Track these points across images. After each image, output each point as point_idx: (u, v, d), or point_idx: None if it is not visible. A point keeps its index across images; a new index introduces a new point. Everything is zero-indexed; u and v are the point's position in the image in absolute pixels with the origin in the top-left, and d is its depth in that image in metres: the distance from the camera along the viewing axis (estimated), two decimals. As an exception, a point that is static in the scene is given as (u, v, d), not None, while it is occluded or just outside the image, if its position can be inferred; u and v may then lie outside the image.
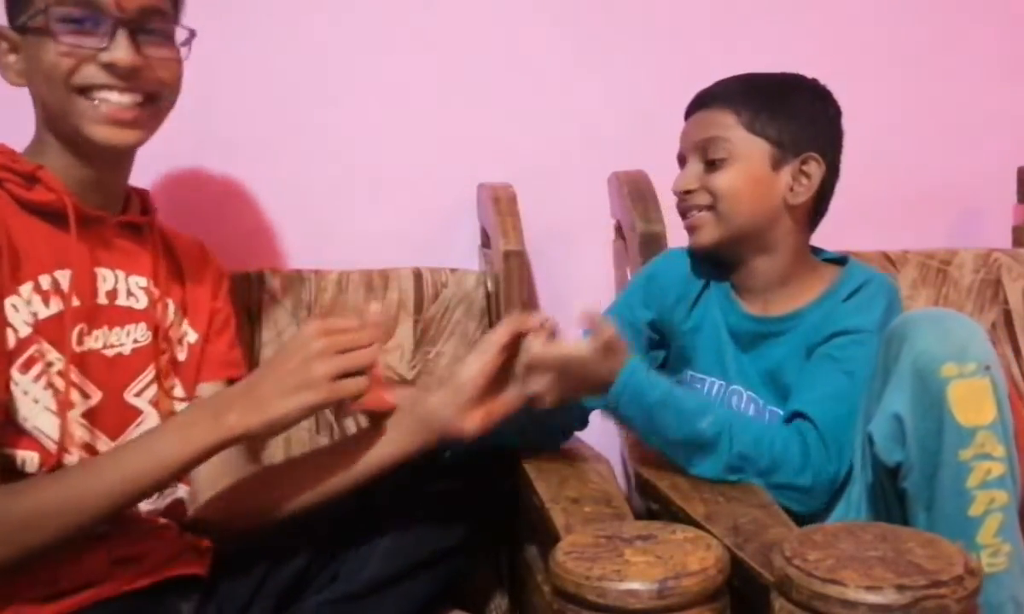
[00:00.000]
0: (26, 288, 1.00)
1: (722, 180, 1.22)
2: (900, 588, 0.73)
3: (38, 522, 0.92)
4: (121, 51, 0.99)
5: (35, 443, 0.99)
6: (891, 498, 1.06)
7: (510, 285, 1.39)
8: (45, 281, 1.02)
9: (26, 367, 0.99)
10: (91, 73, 1.00)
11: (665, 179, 1.36)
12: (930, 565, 0.76)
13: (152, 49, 1.03)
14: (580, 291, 1.61)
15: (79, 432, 1.02)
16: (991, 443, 0.97)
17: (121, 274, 1.09)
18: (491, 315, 1.47)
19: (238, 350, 1.24)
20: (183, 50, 1.08)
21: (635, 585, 0.79)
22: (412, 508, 1.14)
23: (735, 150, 1.22)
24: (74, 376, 1.02)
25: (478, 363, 1.08)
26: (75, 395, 1.02)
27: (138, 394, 1.09)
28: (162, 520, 1.09)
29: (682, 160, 1.29)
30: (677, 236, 1.37)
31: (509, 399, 1.09)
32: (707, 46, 1.62)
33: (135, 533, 1.05)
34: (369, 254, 1.51)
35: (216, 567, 1.13)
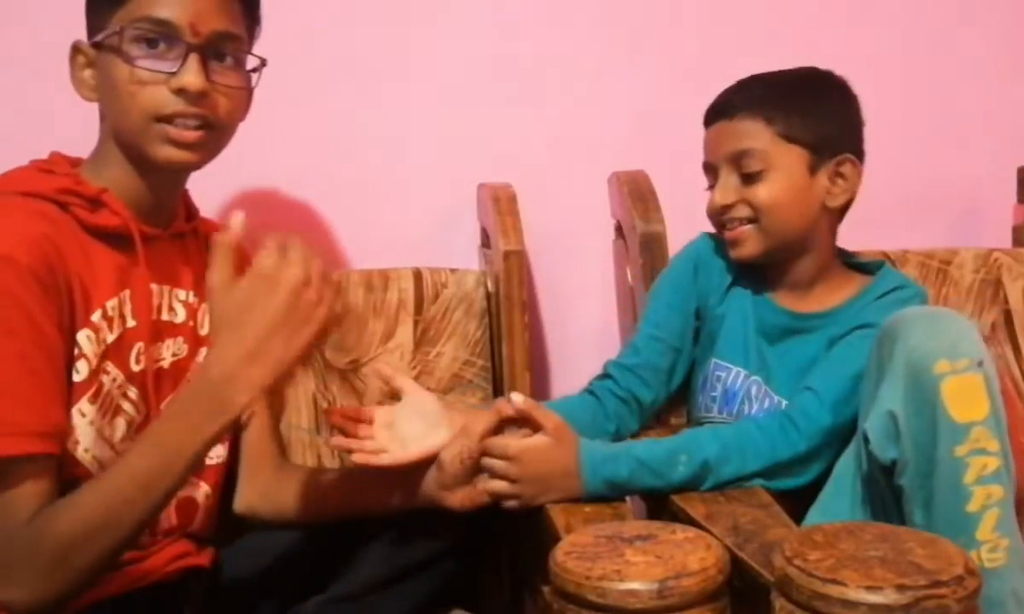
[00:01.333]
0: (96, 315, 1.01)
1: (763, 193, 1.21)
2: (900, 588, 0.73)
3: (87, 544, 0.91)
4: (191, 76, 1.00)
5: (88, 471, 0.99)
6: (887, 496, 1.07)
7: (510, 285, 1.38)
8: (111, 305, 1.02)
9: (95, 397, 1.00)
10: (162, 99, 1.00)
11: (665, 179, 1.36)
12: (930, 565, 0.76)
13: (221, 76, 1.04)
14: (580, 291, 1.61)
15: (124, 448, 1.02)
16: (986, 438, 0.97)
17: (166, 289, 1.11)
18: (491, 315, 1.47)
19: None
20: (253, 77, 1.10)
21: (635, 585, 0.79)
22: (412, 508, 1.14)
23: (771, 161, 1.21)
24: (132, 394, 1.04)
25: (456, 447, 1.10)
26: (131, 410, 1.04)
27: None
28: (165, 524, 1.10)
29: (710, 170, 1.27)
30: (677, 236, 1.37)
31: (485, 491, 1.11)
32: (707, 46, 1.62)
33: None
34: (369, 254, 1.51)
35: (218, 571, 1.14)
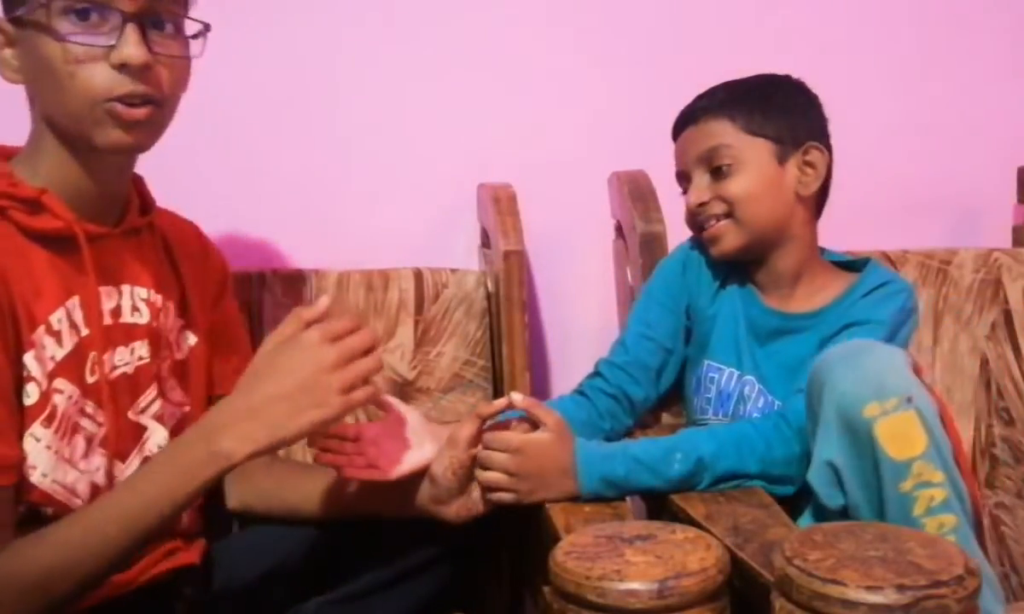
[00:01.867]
0: (39, 333, 0.95)
1: (735, 187, 1.23)
2: (900, 588, 0.73)
3: (60, 572, 0.88)
4: (132, 48, 0.91)
5: (48, 497, 0.95)
6: None
7: (510, 285, 1.38)
8: (56, 319, 0.97)
9: (49, 420, 0.95)
10: (103, 77, 0.92)
11: (665, 179, 1.36)
12: (930, 565, 0.76)
13: (162, 45, 0.95)
14: (580, 291, 1.61)
15: (101, 463, 1.00)
16: (928, 471, 0.97)
17: (126, 289, 1.04)
18: (491, 315, 1.47)
19: (244, 345, 1.23)
20: (195, 45, 1.01)
21: (635, 585, 0.79)
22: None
23: (740, 154, 1.23)
24: (89, 408, 0.99)
25: (447, 459, 1.08)
26: (91, 426, 0.99)
27: (142, 411, 1.06)
28: None
29: (683, 178, 1.29)
30: (677, 236, 1.37)
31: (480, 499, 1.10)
32: (707, 46, 1.62)
33: None
34: (369, 254, 1.51)
35: (212, 570, 1.13)
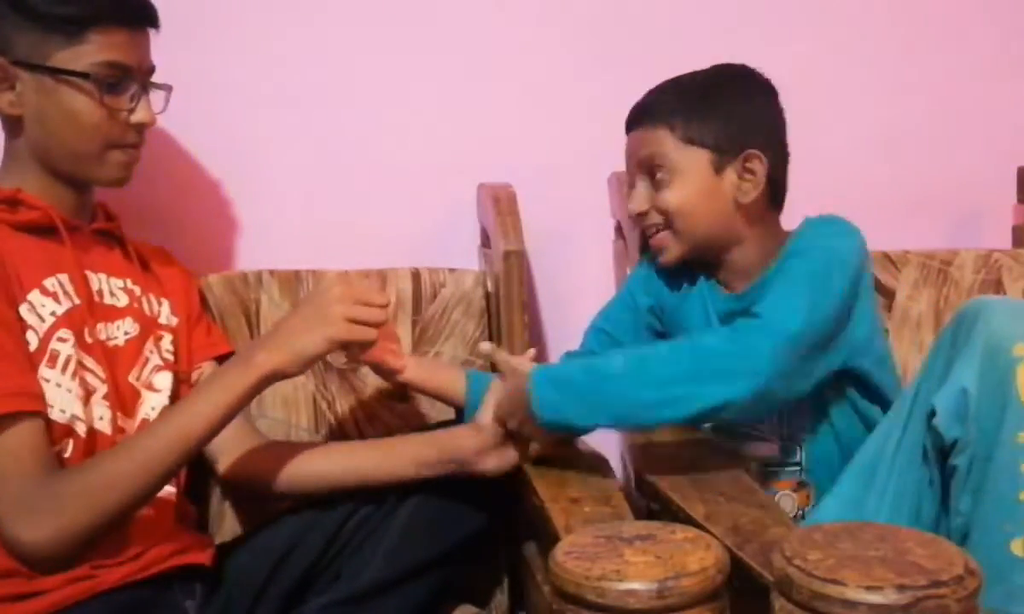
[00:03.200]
0: (34, 294, 1.08)
1: (670, 198, 1.23)
2: (900, 588, 0.73)
3: (115, 484, 1.01)
4: (147, 113, 1.15)
5: (70, 430, 1.06)
6: (930, 481, 1.07)
7: (510, 285, 1.38)
8: (50, 283, 1.10)
9: (52, 362, 1.07)
10: (120, 130, 1.14)
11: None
12: (930, 565, 0.76)
13: (153, 106, 1.17)
14: (580, 291, 1.61)
15: (105, 413, 1.10)
16: None
17: (104, 276, 1.17)
18: (490, 315, 1.47)
19: (216, 330, 1.33)
20: (157, 99, 1.19)
21: (635, 585, 0.79)
22: (412, 510, 1.15)
23: (676, 165, 1.23)
24: (89, 363, 1.10)
25: (491, 412, 1.16)
26: (94, 379, 1.10)
27: (137, 379, 1.17)
28: (154, 512, 1.11)
29: (631, 178, 1.30)
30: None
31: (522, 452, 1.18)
32: (706, 46, 1.59)
33: (124, 534, 1.07)
34: (369, 254, 1.51)
35: (220, 568, 1.14)
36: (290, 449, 1.22)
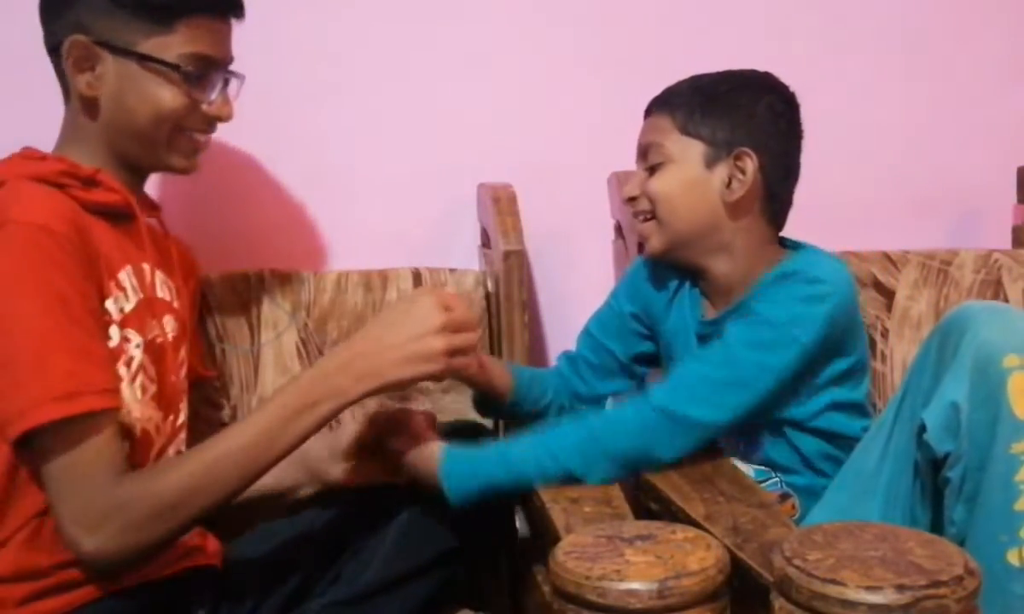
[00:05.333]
0: (112, 285, 1.05)
1: (656, 184, 1.23)
2: (900, 588, 0.73)
3: (184, 501, 0.98)
4: (227, 108, 1.14)
5: (130, 432, 1.04)
6: (925, 491, 1.07)
7: (510, 285, 1.38)
8: (124, 276, 1.07)
9: (127, 362, 1.05)
10: (198, 118, 1.12)
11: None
12: (930, 565, 0.76)
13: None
14: (580, 291, 1.61)
15: (154, 414, 1.09)
16: None
17: (153, 268, 1.13)
18: (490, 315, 1.47)
19: (200, 348, 1.33)
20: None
21: (635, 585, 0.79)
22: (413, 511, 1.15)
23: (670, 153, 1.22)
24: (146, 363, 1.08)
25: (354, 427, 1.18)
26: (146, 379, 1.08)
27: (177, 379, 1.16)
28: None
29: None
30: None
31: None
32: (707, 46, 1.61)
33: None
34: (369, 254, 1.51)
35: (224, 569, 1.14)
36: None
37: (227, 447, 1.00)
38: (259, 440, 0.99)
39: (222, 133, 1.48)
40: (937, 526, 1.08)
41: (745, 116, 1.22)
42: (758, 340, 1.13)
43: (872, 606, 0.73)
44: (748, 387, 1.13)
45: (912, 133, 1.67)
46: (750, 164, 1.21)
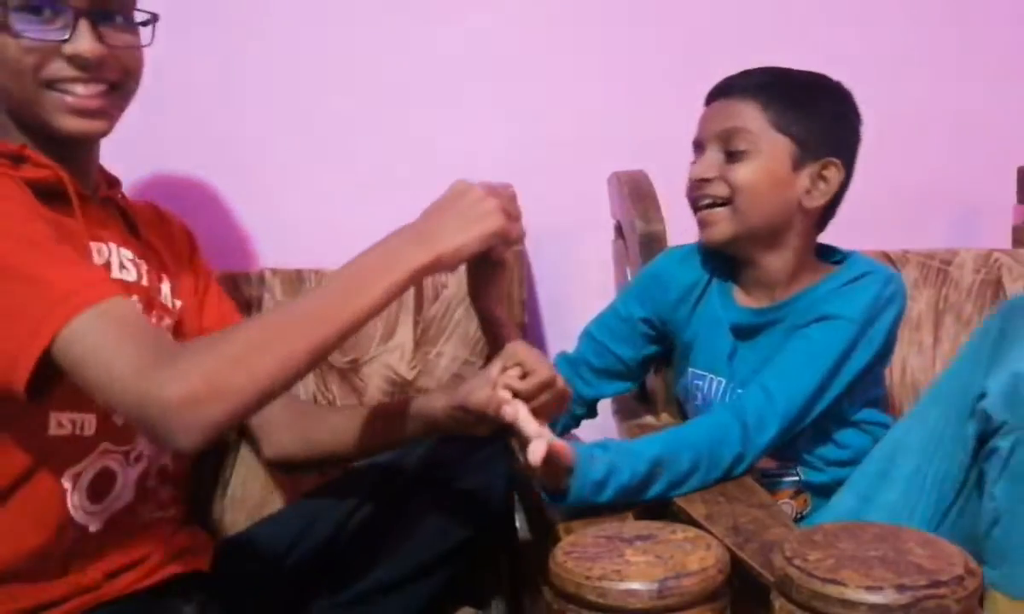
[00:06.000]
0: None
1: (742, 173, 1.20)
2: (900, 588, 0.73)
3: (269, 343, 0.88)
4: (85, 42, 0.97)
5: (92, 405, 0.97)
6: (963, 465, 1.08)
7: (510, 285, 1.38)
8: None
9: None
10: (57, 67, 0.97)
11: (665, 179, 1.36)
12: (930, 565, 0.76)
13: (114, 36, 1.00)
14: (580, 291, 1.61)
15: None
16: None
17: (112, 247, 1.06)
18: (491, 315, 1.47)
19: (227, 302, 1.26)
20: (145, 33, 1.05)
21: (635, 585, 0.79)
22: (414, 511, 1.15)
23: (758, 144, 1.20)
24: None
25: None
26: None
27: None
28: (159, 514, 1.10)
29: (699, 147, 1.26)
30: (677, 236, 1.37)
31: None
32: (707, 45, 1.62)
33: (129, 540, 1.05)
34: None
35: (220, 569, 1.14)
36: (326, 422, 1.21)
37: (318, 292, 0.98)
38: (326, 303, 0.93)
39: (224, 132, 1.49)
40: (965, 512, 1.09)
41: (834, 123, 1.23)
42: (841, 339, 1.16)
43: (872, 606, 0.73)
44: (828, 389, 1.17)
45: (912, 133, 1.67)
46: (835, 174, 1.21)
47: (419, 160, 1.57)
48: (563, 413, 1.17)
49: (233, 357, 0.85)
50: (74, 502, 0.99)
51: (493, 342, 1.23)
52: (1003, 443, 1.01)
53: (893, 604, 0.73)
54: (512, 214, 1.03)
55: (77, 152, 1.04)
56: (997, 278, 1.53)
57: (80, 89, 0.99)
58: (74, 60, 0.97)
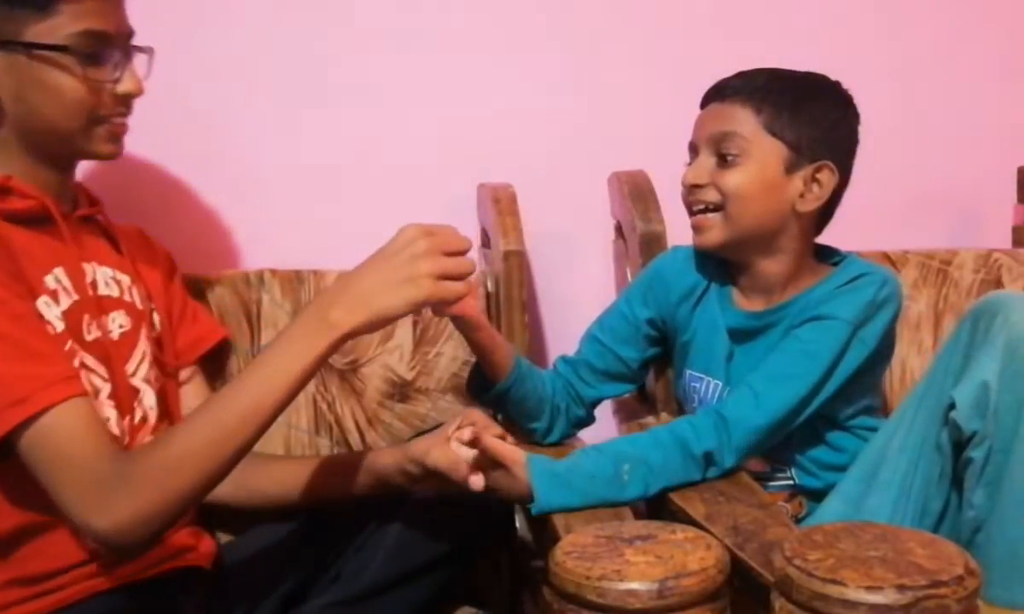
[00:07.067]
0: (40, 288, 1.04)
1: (733, 180, 1.20)
2: (900, 588, 0.73)
3: (188, 462, 0.94)
4: (133, 83, 1.08)
5: None
6: (943, 478, 1.07)
7: (510, 285, 1.38)
8: (50, 281, 1.05)
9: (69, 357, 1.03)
10: (108, 103, 1.07)
11: (665, 179, 1.36)
12: (930, 565, 0.76)
13: (139, 73, 1.11)
14: (580, 291, 1.61)
15: (111, 413, 1.07)
16: None
17: (95, 265, 1.12)
18: (490, 315, 1.47)
19: (204, 315, 1.32)
20: (141, 63, 1.13)
21: (635, 585, 0.79)
22: (413, 510, 1.15)
23: (750, 149, 1.19)
24: (90, 362, 1.06)
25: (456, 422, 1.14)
26: (97, 379, 1.07)
27: (132, 375, 1.13)
28: None
29: (694, 150, 1.26)
30: (677, 236, 1.37)
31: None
32: (707, 45, 1.62)
33: None
34: (369, 253, 1.50)
35: (220, 569, 1.14)
36: (266, 473, 1.22)
37: (225, 403, 0.97)
38: (259, 389, 0.96)
39: (223, 133, 1.49)
40: (949, 514, 1.09)
41: (829, 127, 1.22)
42: (834, 340, 1.16)
43: (872, 606, 0.73)
44: (819, 390, 1.16)
45: (912, 133, 1.67)
46: (830, 177, 1.21)
47: (419, 160, 1.57)
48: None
49: (159, 484, 0.94)
50: None
51: (475, 347, 1.26)
52: (977, 453, 1.02)
53: (893, 604, 0.73)
54: (453, 274, 0.99)
55: (65, 174, 1.12)
56: (997, 278, 1.53)
57: (119, 120, 1.10)
58: (124, 98, 1.09)
